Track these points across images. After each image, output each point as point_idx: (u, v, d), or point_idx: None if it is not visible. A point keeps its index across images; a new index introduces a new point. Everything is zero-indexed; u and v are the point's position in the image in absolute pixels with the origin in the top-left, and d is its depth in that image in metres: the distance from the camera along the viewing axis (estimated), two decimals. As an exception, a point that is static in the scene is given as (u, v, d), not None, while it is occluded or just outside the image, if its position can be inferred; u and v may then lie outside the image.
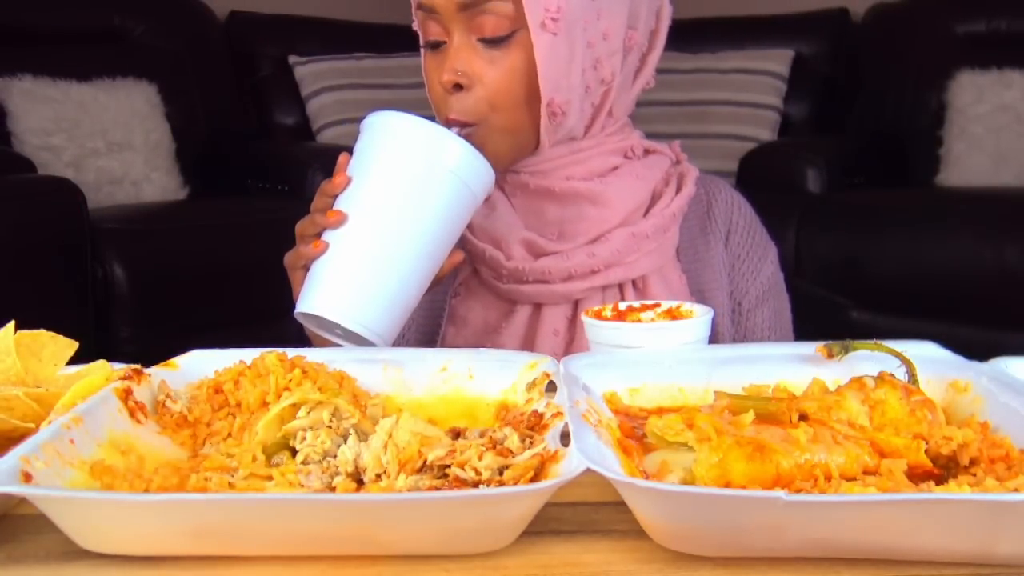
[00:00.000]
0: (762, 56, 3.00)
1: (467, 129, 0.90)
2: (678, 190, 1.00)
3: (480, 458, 0.57)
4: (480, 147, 0.85)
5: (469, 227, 0.96)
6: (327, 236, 0.80)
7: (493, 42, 0.89)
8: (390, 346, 0.81)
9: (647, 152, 1.01)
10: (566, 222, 0.97)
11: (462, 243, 0.97)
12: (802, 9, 3.12)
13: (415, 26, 0.95)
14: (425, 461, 0.58)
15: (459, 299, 1.01)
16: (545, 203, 0.97)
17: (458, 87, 0.90)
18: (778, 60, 3.01)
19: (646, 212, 0.98)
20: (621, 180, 0.97)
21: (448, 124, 0.91)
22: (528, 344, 0.96)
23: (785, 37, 3.07)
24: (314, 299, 0.78)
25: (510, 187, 0.99)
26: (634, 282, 0.97)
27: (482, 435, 0.63)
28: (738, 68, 2.96)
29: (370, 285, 0.78)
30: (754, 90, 2.96)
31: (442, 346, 0.99)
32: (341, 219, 0.79)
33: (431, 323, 1.00)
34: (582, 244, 0.95)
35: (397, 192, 0.79)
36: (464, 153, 0.80)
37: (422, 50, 0.95)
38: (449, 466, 0.57)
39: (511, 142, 0.94)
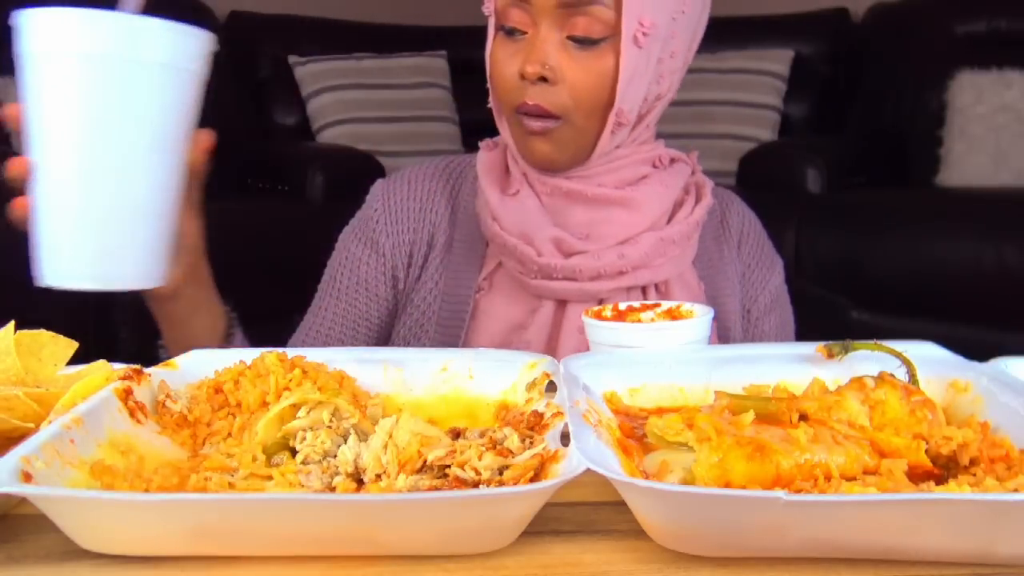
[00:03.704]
0: (762, 56, 3.00)
1: (548, 122, 0.92)
2: (697, 199, 1.02)
3: (480, 458, 0.57)
4: (555, 144, 0.90)
5: (497, 220, 0.97)
6: (31, 191, 0.67)
7: (584, 43, 0.90)
8: (164, 281, 0.72)
9: (672, 161, 1.03)
10: (594, 224, 0.97)
11: (490, 236, 0.97)
12: (802, 9, 3.12)
13: (486, 8, 0.95)
14: (425, 461, 0.58)
15: (483, 294, 1.01)
16: (576, 206, 0.98)
17: (542, 80, 0.91)
18: (778, 60, 3.01)
19: (669, 219, 1.00)
20: (650, 188, 0.99)
21: (526, 110, 0.92)
22: (553, 341, 0.97)
23: (785, 37, 3.08)
24: (41, 267, 0.67)
25: (541, 186, 0.99)
26: (656, 286, 0.98)
27: (482, 435, 0.63)
28: (738, 68, 2.96)
29: (92, 235, 0.66)
30: (754, 90, 2.96)
31: (466, 341, 0.99)
32: (25, 169, 0.66)
33: (455, 318, 1.00)
34: (612, 245, 0.96)
35: (88, 121, 0.64)
36: (164, 35, 0.64)
37: (494, 33, 0.95)
38: (449, 466, 0.57)
39: (579, 144, 0.95)
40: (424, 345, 0.99)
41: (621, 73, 0.90)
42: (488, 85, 0.98)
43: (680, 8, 0.92)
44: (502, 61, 0.94)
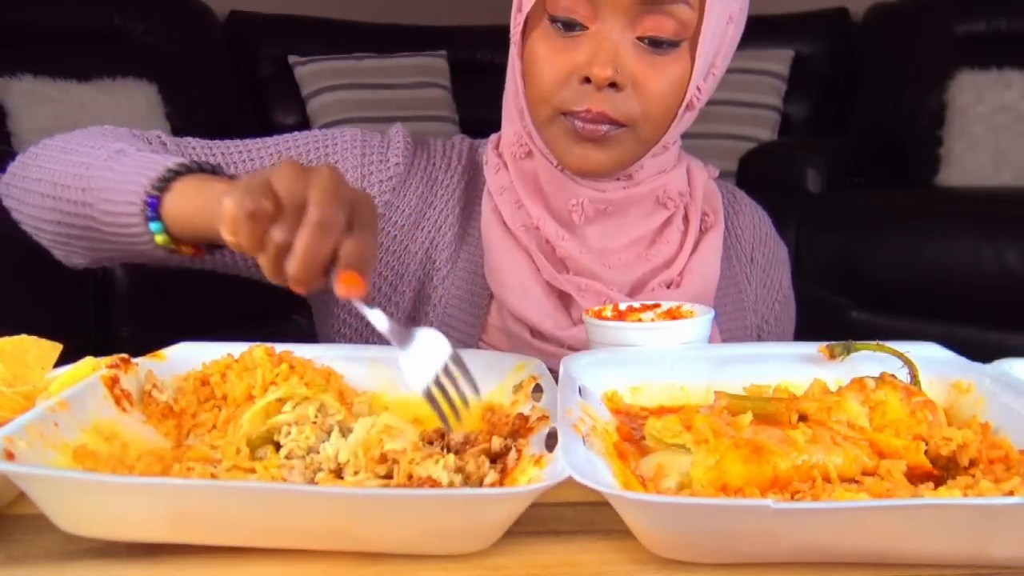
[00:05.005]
0: (762, 56, 3.00)
1: (610, 128, 0.83)
2: (714, 219, 0.98)
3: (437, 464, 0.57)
4: (609, 152, 0.83)
5: (562, 250, 0.90)
6: None
7: (660, 46, 0.82)
8: None
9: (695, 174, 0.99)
10: (626, 229, 0.92)
11: (548, 266, 0.90)
12: (802, 9, 3.12)
13: None
14: (386, 456, 0.57)
15: (488, 337, 0.94)
16: (612, 214, 0.91)
17: (612, 85, 0.82)
18: (778, 60, 3.00)
19: (695, 246, 0.95)
20: (680, 200, 0.95)
21: (587, 117, 0.82)
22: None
23: (785, 37, 3.07)
24: None
25: (576, 191, 0.90)
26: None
27: (469, 442, 0.63)
28: (738, 68, 2.94)
29: None
30: (754, 90, 2.96)
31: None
32: None
33: (472, 322, 0.94)
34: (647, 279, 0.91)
35: None
36: None
37: (535, 24, 0.85)
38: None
39: (637, 154, 0.88)
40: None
41: (694, 76, 0.83)
42: (516, 82, 0.88)
43: (730, 10, 0.86)
44: (549, 57, 0.83)
